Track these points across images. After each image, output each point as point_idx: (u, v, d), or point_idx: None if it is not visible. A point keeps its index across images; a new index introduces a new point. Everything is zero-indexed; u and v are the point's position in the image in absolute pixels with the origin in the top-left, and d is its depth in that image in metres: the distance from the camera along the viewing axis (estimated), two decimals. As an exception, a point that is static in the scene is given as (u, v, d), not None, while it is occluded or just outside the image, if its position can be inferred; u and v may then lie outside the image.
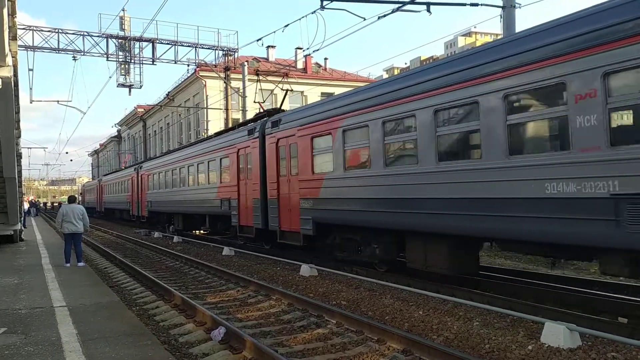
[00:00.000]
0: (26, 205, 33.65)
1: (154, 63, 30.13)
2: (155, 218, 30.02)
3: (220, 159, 18.71)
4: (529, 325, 7.02)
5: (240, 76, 30.15)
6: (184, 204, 23.21)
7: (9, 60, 11.85)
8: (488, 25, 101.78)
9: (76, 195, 19.76)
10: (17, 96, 15.69)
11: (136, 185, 33.41)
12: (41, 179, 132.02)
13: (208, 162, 20.08)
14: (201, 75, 41.26)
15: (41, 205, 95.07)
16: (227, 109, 32.47)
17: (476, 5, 14.85)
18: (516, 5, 14.00)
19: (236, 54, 32.85)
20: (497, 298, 8.67)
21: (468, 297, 8.89)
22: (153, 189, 28.96)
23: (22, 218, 29.47)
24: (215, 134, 22.56)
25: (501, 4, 14.17)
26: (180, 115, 49.01)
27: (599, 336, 6.19)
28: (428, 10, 14.07)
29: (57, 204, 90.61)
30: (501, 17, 14.04)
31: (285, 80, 20.63)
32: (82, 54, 28.35)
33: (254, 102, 25.22)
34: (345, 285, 10.46)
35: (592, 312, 7.73)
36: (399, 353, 6.22)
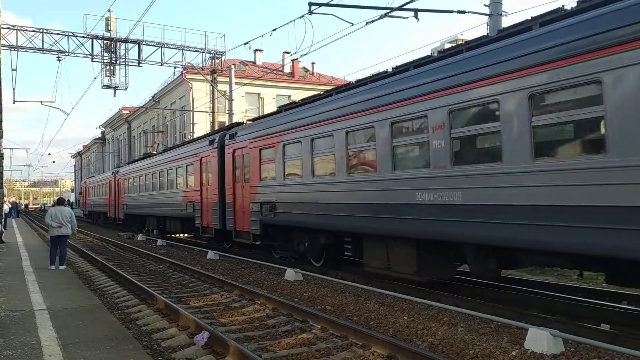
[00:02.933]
0: (7, 207, 33.11)
1: (140, 65, 29.85)
2: (284, 236, 14.30)
3: None
4: (513, 331, 7.05)
5: (227, 79, 30.06)
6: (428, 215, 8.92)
7: (-9, 59, 11.69)
8: (475, 32, 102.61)
9: (64, 197, 16.62)
10: (-1, 96, 15.48)
11: (216, 175, 17.45)
12: (23, 181, 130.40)
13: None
14: (188, 78, 41.11)
15: (22, 207, 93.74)
16: (213, 112, 32.29)
17: (463, 12, 14.99)
18: (502, 13, 14.17)
19: (223, 57, 32.71)
20: (481, 304, 8.71)
21: (453, 302, 8.90)
22: (284, 179, 13.45)
23: (3, 220, 29.04)
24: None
25: (488, 12, 14.34)
26: (165, 117, 48.71)
27: (582, 342, 6.23)
28: (416, 16, 14.16)
29: (40, 206, 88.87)
30: (488, 25, 14.20)
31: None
32: (67, 54, 28.04)
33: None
34: (330, 290, 10.43)
35: (576, 318, 7.80)
36: (383, 358, 6.21)
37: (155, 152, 31.52)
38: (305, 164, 12.46)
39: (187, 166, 20.57)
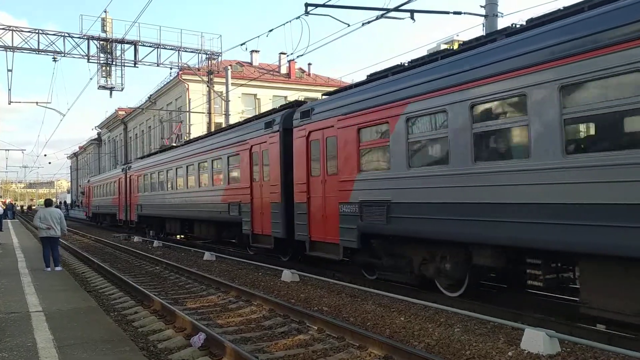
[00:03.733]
0: (0, 209, 32.96)
1: (136, 65, 29.78)
2: (394, 252, 10.30)
3: None
4: (509, 332, 7.07)
5: (223, 80, 30.03)
6: None
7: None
8: (470, 33, 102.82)
9: (53, 199, 16.30)
10: (-5, 97, 15.44)
11: (278, 167, 13.76)
12: (19, 182, 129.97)
13: None
14: (184, 79, 41.09)
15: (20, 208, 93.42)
16: (209, 113, 32.27)
17: (459, 13, 15.02)
18: (498, 14, 14.20)
19: (219, 57, 32.70)
20: (478, 305, 8.71)
21: (449, 303, 8.91)
22: (408, 168, 9.37)
23: (-1, 221, 28.93)
24: None
25: (484, 13, 14.37)
26: (162, 118, 48.64)
27: (577, 342, 6.25)
28: (412, 17, 14.19)
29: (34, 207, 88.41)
30: (483, 26, 14.23)
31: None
32: (63, 55, 27.94)
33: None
34: (327, 291, 10.43)
35: (572, 318, 7.81)
36: (380, 359, 6.21)
37: (175, 144, 27.57)
38: (455, 143, 8.34)
39: (228, 157, 16.64)
